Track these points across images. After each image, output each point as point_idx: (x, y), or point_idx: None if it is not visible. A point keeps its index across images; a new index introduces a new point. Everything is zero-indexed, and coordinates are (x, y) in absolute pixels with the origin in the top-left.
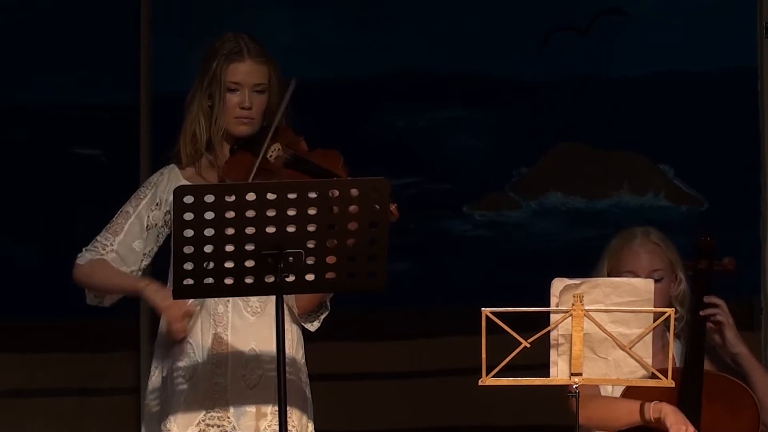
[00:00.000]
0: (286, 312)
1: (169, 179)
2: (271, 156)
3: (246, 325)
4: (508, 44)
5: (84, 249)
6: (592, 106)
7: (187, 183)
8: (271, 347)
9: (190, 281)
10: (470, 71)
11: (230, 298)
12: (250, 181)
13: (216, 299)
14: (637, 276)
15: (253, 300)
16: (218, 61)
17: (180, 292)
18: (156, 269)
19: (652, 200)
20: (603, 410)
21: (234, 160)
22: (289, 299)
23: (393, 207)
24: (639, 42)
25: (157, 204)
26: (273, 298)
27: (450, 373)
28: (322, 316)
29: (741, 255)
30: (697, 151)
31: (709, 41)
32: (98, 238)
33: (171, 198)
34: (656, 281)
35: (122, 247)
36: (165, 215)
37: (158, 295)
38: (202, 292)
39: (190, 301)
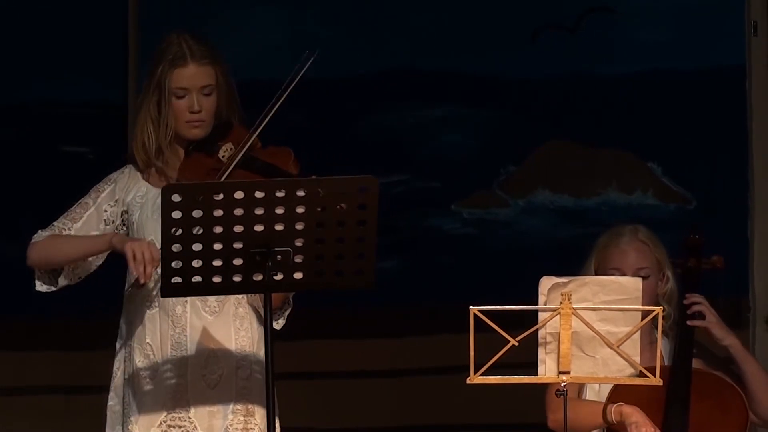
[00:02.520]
0: (249, 311)
1: (129, 178)
2: (223, 156)
3: (205, 324)
4: (497, 42)
5: (39, 230)
6: (581, 104)
7: (144, 185)
8: (231, 346)
9: (178, 279)
10: (459, 69)
11: (188, 299)
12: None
13: (174, 299)
14: (623, 273)
15: (212, 300)
16: (162, 68)
17: (168, 291)
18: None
19: (640, 198)
20: (569, 412)
21: (188, 162)
22: (254, 299)
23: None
24: (627, 40)
25: (116, 201)
26: (231, 297)
27: (439, 371)
28: (286, 313)
29: (729, 253)
30: (686, 150)
31: (697, 39)
32: (55, 223)
33: (129, 198)
34: (642, 279)
35: (79, 233)
36: (122, 214)
37: (125, 239)
38: (190, 290)
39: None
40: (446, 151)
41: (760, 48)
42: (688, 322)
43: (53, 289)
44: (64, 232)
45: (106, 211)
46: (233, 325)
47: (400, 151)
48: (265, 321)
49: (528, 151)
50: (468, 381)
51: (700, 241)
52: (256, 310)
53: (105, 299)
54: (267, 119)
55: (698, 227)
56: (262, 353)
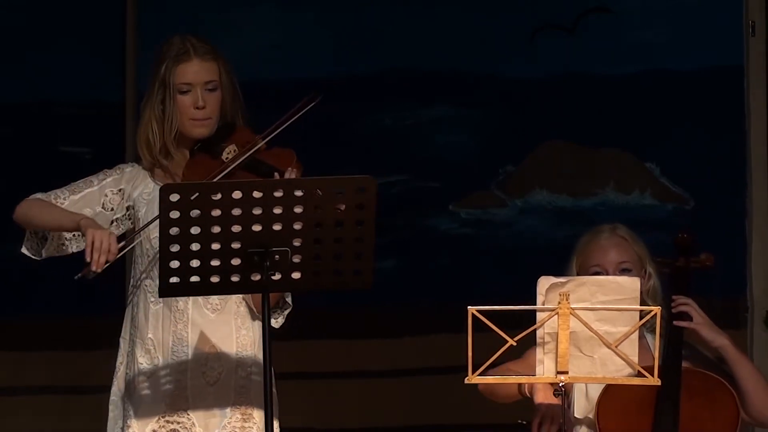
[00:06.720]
0: (246, 310)
1: (136, 174)
2: (226, 158)
3: (206, 322)
4: (495, 42)
5: (38, 193)
6: (579, 104)
7: (151, 182)
8: (231, 345)
9: (176, 279)
10: (457, 69)
11: None
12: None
13: None
14: (605, 270)
15: (213, 297)
16: (166, 65)
17: (166, 291)
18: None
19: (637, 198)
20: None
21: (192, 164)
22: (248, 298)
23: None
24: (625, 40)
25: (119, 189)
26: (233, 296)
27: (437, 371)
28: (285, 312)
29: (726, 253)
30: (684, 150)
31: (695, 40)
32: (55, 190)
33: (135, 194)
34: (623, 272)
35: (73, 206)
36: (127, 209)
37: (91, 224)
38: (188, 290)
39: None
40: (444, 151)
41: (757, 48)
42: (675, 323)
43: (37, 258)
44: (58, 201)
45: (107, 195)
46: (234, 323)
47: (398, 151)
48: (264, 321)
49: (526, 151)
50: (466, 381)
51: (688, 240)
52: (251, 309)
53: (104, 299)
54: (271, 136)
55: (688, 226)
56: (261, 354)
